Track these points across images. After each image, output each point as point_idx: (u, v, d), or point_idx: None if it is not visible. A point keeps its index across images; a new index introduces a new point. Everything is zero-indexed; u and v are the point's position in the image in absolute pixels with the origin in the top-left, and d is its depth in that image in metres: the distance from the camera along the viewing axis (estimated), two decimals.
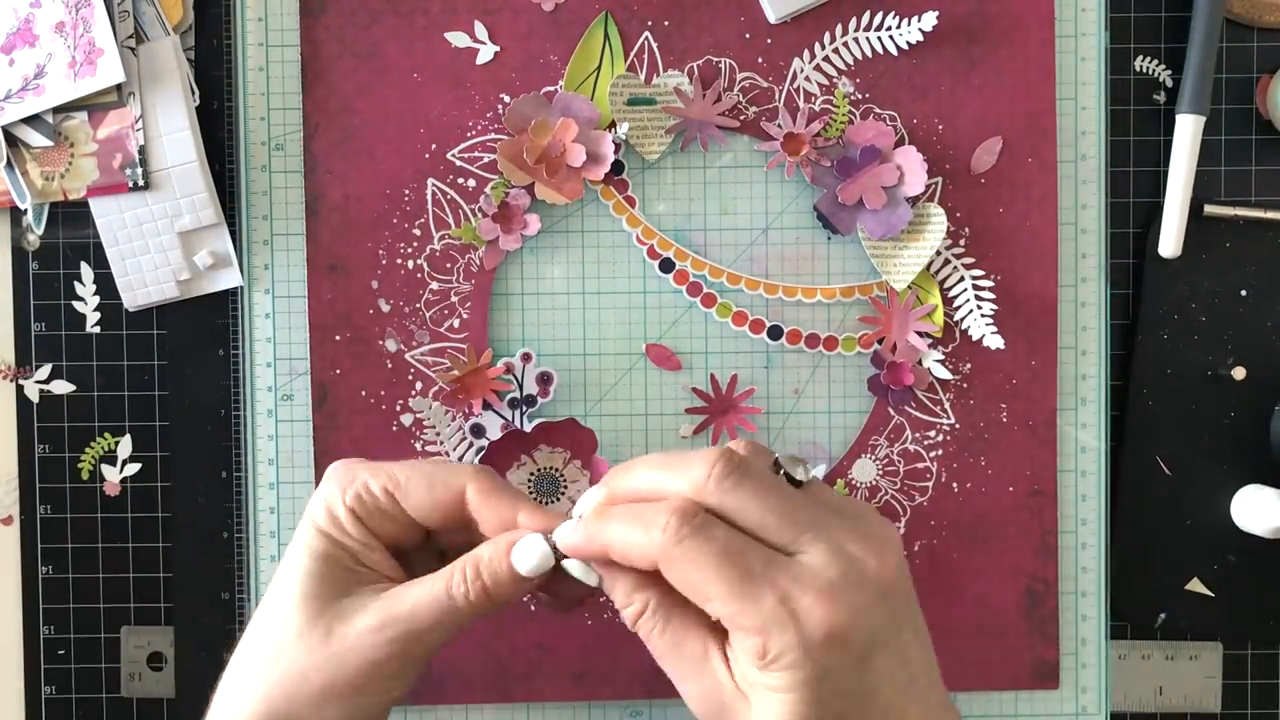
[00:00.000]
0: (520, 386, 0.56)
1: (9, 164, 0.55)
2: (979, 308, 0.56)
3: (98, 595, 0.58)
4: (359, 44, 0.55)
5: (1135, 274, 0.57)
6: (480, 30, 0.55)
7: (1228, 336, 0.57)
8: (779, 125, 0.55)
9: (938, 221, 0.55)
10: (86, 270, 0.57)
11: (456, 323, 0.56)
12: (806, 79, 0.56)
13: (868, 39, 0.55)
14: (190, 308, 0.57)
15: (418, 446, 0.56)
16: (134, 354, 0.57)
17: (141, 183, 0.55)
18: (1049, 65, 0.55)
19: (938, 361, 0.56)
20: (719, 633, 0.40)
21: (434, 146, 0.55)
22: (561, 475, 0.56)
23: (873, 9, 0.55)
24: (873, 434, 0.56)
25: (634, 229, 0.56)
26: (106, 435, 0.58)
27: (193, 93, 0.55)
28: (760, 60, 0.56)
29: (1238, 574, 0.57)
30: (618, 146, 0.55)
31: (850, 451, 0.56)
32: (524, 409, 0.56)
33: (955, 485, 0.56)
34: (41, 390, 0.57)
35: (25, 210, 0.56)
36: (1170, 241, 0.56)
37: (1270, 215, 0.56)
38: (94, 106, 0.54)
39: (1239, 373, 0.57)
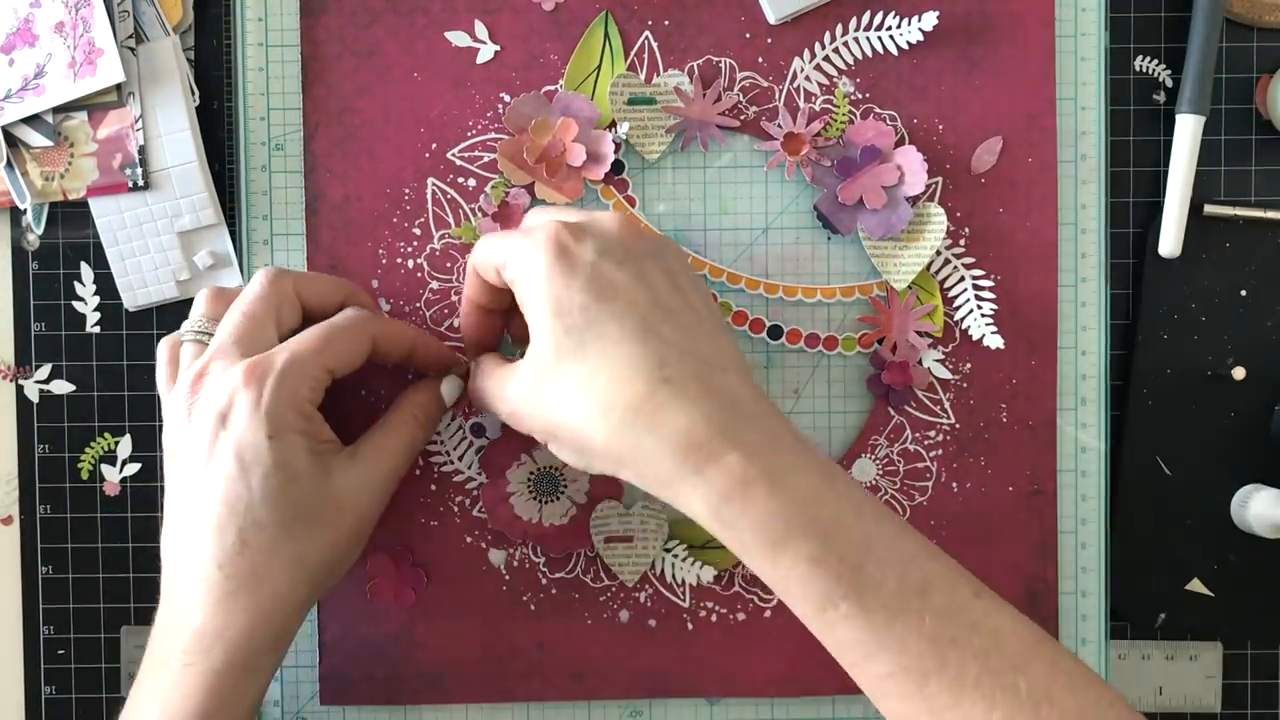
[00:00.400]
0: None
1: (9, 164, 0.55)
2: (979, 308, 0.56)
3: (98, 595, 0.58)
4: (359, 43, 0.55)
5: (1135, 274, 0.57)
6: (480, 30, 0.55)
7: (1228, 336, 0.57)
8: (779, 125, 0.55)
9: (938, 221, 0.55)
10: (86, 270, 0.57)
11: (457, 322, 0.56)
12: (806, 79, 0.56)
13: (868, 39, 0.55)
14: (190, 308, 0.57)
15: None
16: (134, 354, 0.57)
17: (141, 183, 0.55)
18: (1049, 65, 0.55)
19: (938, 361, 0.56)
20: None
21: (434, 146, 0.55)
22: (561, 474, 0.56)
23: (873, 9, 0.55)
24: (873, 434, 0.56)
25: None
26: (106, 435, 0.58)
27: (193, 93, 0.55)
28: (760, 60, 0.56)
29: (1238, 574, 0.57)
30: (618, 146, 0.55)
31: (850, 451, 0.56)
32: None
33: (955, 485, 0.56)
34: (41, 390, 0.57)
35: (25, 210, 0.56)
36: (1170, 241, 0.56)
37: (1270, 215, 0.56)
38: (94, 106, 0.54)
39: (1239, 373, 0.57)
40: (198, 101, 0.56)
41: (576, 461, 0.45)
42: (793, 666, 0.56)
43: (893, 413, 0.56)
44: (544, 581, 0.56)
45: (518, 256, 0.45)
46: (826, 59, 0.56)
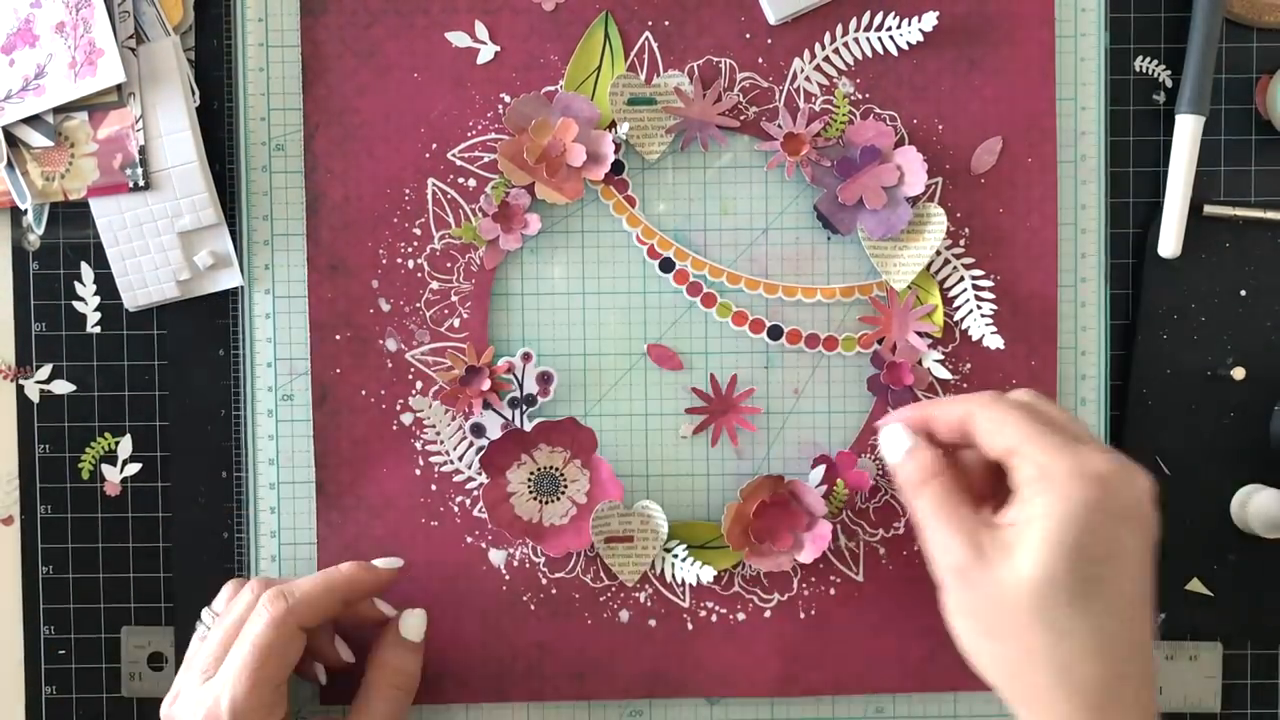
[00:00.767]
0: (520, 386, 0.56)
1: (9, 164, 0.55)
2: (979, 308, 0.56)
3: (98, 595, 0.58)
4: (359, 44, 0.55)
5: (1135, 274, 0.58)
6: (481, 30, 0.55)
7: (1227, 336, 0.57)
8: (779, 125, 0.55)
9: (938, 221, 0.55)
10: (87, 270, 0.57)
11: (457, 322, 0.56)
12: (806, 79, 0.56)
13: (868, 39, 0.55)
14: (190, 308, 0.57)
15: (418, 446, 0.56)
16: (134, 354, 0.57)
17: (142, 183, 0.55)
18: (1049, 65, 0.55)
19: (937, 361, 0.56)
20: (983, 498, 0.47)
21: (434, 146, 0.56)
22: (561, 474, 0.56)
23: (873, 9, 0.55)
24: (873, 434, 0.56)
25: (634, 229, 0.56)
26: (106, 435, 0.58)
27: (193, 93, 0.55)
28: (760, 60, 0.56)
29: (1238, 574, 0.57)
30: (618, 146, 0.55)
31: (850, 451, 0.56)
32: (524, 408, 0.56)
33: None
34: (42, 390, 0.57)
35: (25, 210, 0.56)
36: (1170, 241, 0.56)
37: (1270, 215, 0.56)
38: (94, 106, 0.55)
39: (1239, 373, 0.57)
40: (198, 101, 0.56)
41: (973, 648, 0.44)
42: (792, 666, 0.56)
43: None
44: (544, 581, 0.56)
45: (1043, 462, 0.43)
46: (826, 59, 0.56)
